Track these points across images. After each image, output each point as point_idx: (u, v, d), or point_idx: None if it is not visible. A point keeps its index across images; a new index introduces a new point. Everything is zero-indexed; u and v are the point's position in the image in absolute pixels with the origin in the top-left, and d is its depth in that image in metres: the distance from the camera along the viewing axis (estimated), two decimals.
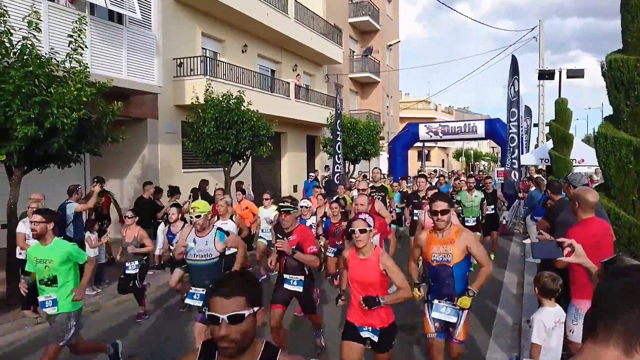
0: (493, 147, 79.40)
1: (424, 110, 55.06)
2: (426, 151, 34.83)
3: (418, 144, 26.17)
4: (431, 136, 23.56)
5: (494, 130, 21.84)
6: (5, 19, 6.92)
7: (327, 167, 21.56)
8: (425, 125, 23.88)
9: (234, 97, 12.44)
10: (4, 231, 7.55)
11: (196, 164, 15.00)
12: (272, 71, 20.90)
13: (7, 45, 6.90)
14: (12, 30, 6.95)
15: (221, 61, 16.16)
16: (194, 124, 12.38)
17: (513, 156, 15.14)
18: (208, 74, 14.54)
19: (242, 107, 12.41)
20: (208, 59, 15.26)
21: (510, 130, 15.21)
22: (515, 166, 15.23)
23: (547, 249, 2.86)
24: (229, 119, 12.03)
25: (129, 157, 13.40)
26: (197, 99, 12.59)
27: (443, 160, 61.86)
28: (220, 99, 12.30)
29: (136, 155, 13.50)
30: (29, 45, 6.99)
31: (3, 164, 7.30)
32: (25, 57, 6.91)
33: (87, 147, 8.06)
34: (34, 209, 6.10)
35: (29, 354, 5.85)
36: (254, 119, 12.57)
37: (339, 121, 16.58)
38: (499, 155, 43.37)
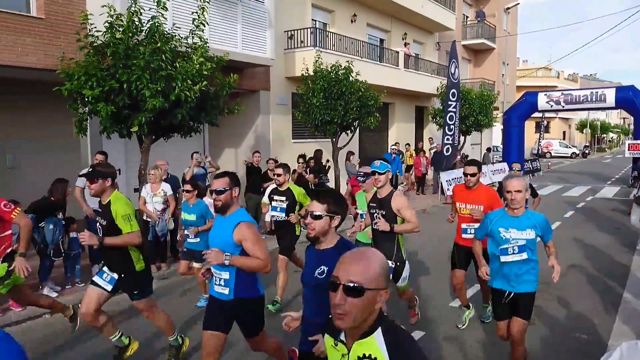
0: (624, 118, 71.99)
1: (544, 78, 51.12)
2: (545, 122, 32.44)
3: (536, 114, 24.43)
4: (552, 106, 21.81)
5: (627, 98, 19.69)
6: None
7: (430, 139, 20.96)
8: (545, 94, 22.15)
9: (342, 67, 12.46)
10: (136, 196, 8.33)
11: (305, 135, 15.36)
12: (381, 40, 20.55)
13: (137, 23, 7.52)
14: (141, 10, 7.54)
15: (330, 32, 16.21)
16: (303, 96, 12.65)
17: None
18: (317, 45, 14.67)
19: (351, 78, 12.41)
20: (318, 30, 15.37)
21: None
22: None
23: None
24: (337, 89, 12.11)
25: (243, 127, 14.07)
26: (307, 71, 12.80)
27: (564, 132, 57.33)
28: (329, 69, 12.39)
29: (249, 126, 14.13)
30: (157, 24, 7.54)
31: (135, 134, 8.03)
32: (154, 34, 7.48)
33: (206, 118, 8.59)
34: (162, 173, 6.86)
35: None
36: (362, 90, 12.52)
37: (452, 90, 15.90)
38: (631, 126, 39.15)
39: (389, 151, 15.30)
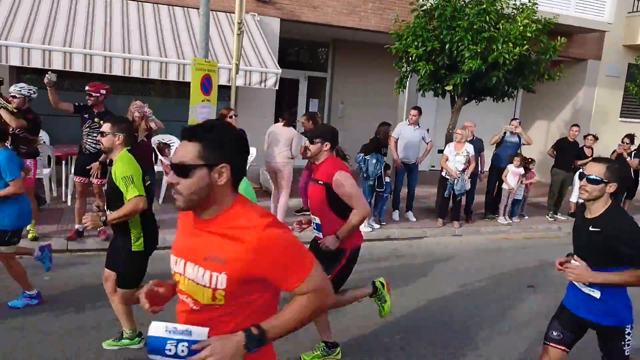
0: None
1: None
2: None
3: None
4: None
5: None
6: None
7: None
8: None
9: None
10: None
11: (637, 114, 13.20)
12: None
13: None
14: None
15: None
16: None
17: None
18: None
19: None
20: None
21: None
22: None
23: None
24: None
25: (560, 98, 12.96)
26: None
27: None
28: None
29: (569, 97, 12.91)
30: None
31: (448, 94, 8.36)
32: None
33: (522, 83, 8.27)
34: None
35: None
36: None
37: None
38: None
39: None
